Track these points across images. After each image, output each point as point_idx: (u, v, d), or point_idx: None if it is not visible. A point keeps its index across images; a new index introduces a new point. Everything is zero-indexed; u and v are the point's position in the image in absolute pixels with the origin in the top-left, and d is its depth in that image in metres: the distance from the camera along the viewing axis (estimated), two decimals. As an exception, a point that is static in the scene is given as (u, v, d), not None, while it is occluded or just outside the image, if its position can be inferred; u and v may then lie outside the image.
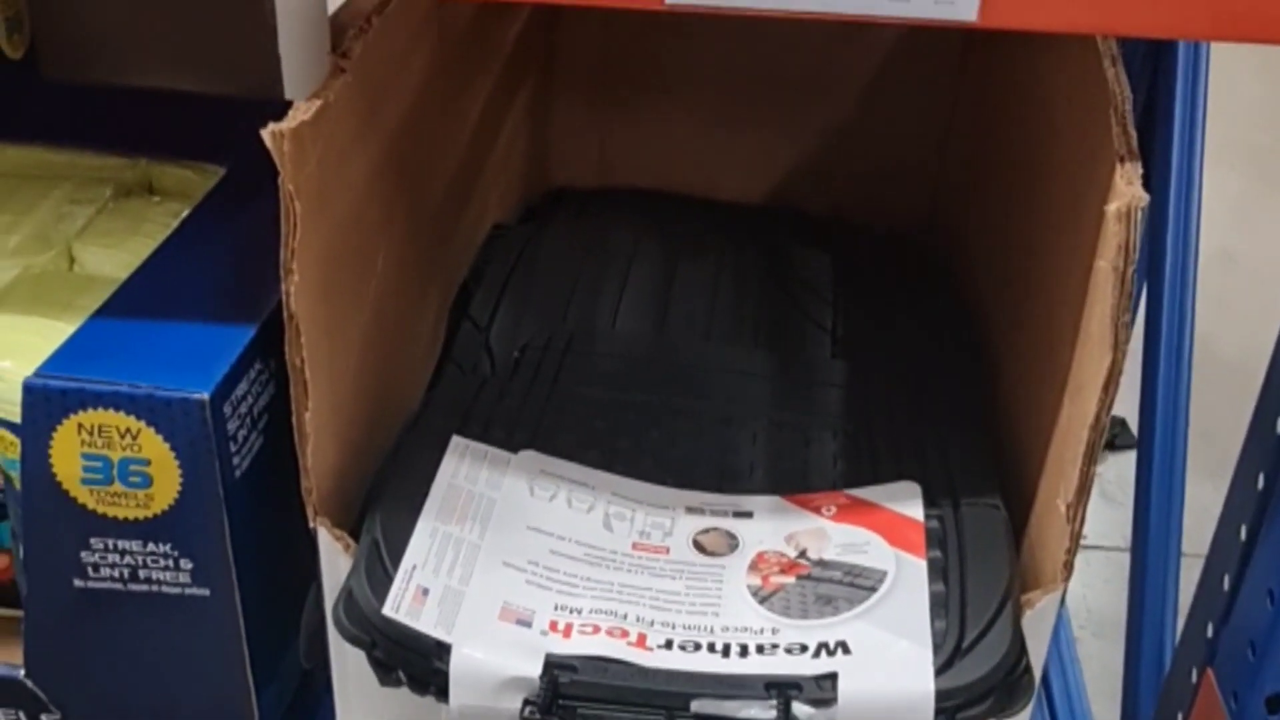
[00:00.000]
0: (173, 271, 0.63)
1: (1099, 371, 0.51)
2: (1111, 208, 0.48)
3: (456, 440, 0.64)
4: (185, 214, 0.68)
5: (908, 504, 0.63)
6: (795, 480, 0.66)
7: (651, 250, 0.85)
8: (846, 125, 0.99)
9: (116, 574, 0.59)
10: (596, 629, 0.57)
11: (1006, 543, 0.59)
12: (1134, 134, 0.52)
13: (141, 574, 0.59)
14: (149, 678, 0.63)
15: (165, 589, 0.60)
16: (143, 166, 0.73)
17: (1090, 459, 0.53)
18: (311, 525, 0.58)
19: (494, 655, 0.54)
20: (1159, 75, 0.86)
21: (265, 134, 0.49)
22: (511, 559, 0.59)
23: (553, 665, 0.54)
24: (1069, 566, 0.56)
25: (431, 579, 0.57)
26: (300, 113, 0.50)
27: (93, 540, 0.59)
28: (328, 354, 0.56)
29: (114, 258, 0.65)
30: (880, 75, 0.96)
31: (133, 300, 0.61)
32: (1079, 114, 0.58)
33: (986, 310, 0.78)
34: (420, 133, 0.68)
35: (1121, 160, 0.50)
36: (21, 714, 0.64)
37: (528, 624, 0.57)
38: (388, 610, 0.55)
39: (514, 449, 0.65)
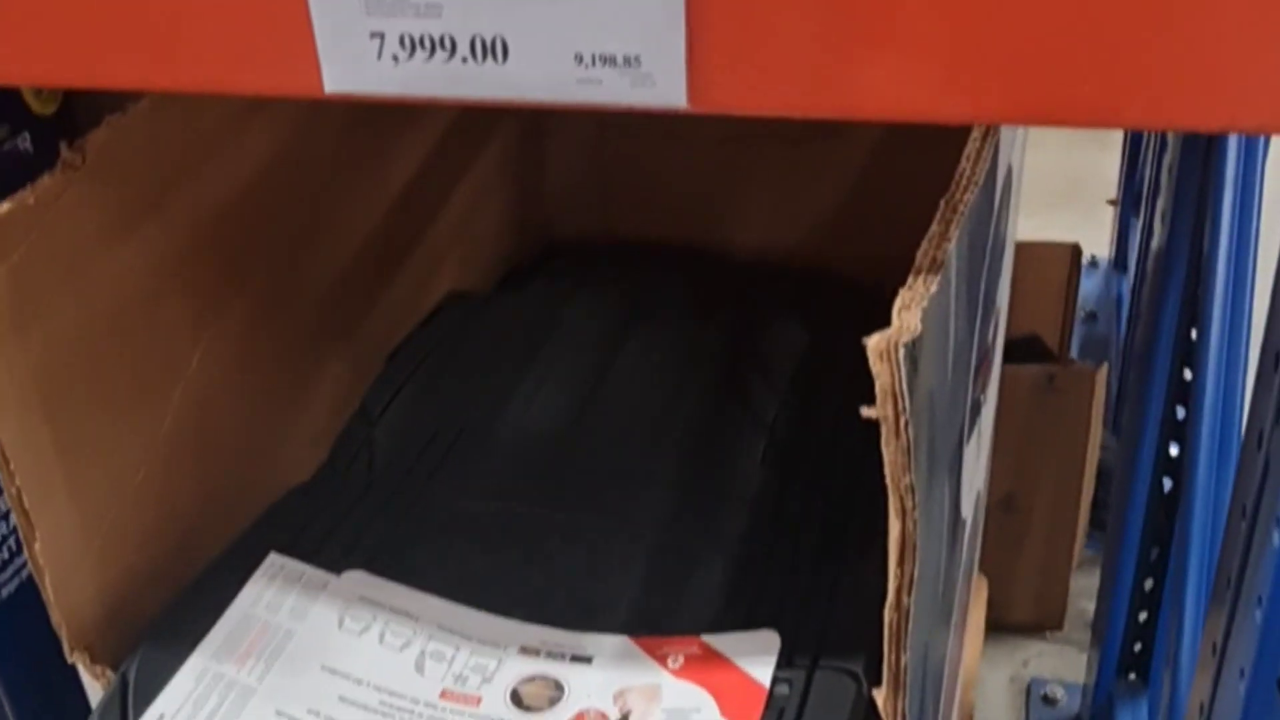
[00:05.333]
0: None
1: (894, 543, 0.40)
2: (871, 343, 0.37)
3: (273, 559, 0.58)
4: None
5: (759, 661, 0.52)
6: (659, 617, 0.57)
7: (604, 323, 0.76)
8: (871, 173, 0.87)
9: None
10: (353, 802, 0.49)
11: (848, 725, 0.48)
12: (951, 238, 0.41)
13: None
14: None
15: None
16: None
17: (897, 645, 0.42)
18: (70, 660, 0.53)
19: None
20: (1210, 157, 0.72)
21: (-79, 248, 0.43)
22: (288, 707, 0.52)
23: None
24: (896, 770, 0.44)
25: (179, 732, 0.51)
26: (-31, 224, 0.45)
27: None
28: (66, 477, 0.50)
29: None
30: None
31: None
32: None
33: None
34: (271, 214, 0.62)
35: (917, 273, 0.39)
36: None
37: (280, 791, 0.50)
38: (109, 771, 0.49)
39: (344, 568, 0.58)
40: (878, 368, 0.37)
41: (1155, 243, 0.87)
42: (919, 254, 0.40)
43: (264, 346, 0.63)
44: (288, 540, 0.59)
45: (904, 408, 0.37)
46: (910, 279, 0.39)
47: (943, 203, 0.42)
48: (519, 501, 0.63)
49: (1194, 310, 0.83)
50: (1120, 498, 0.94)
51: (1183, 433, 0.90)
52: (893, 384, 0.37)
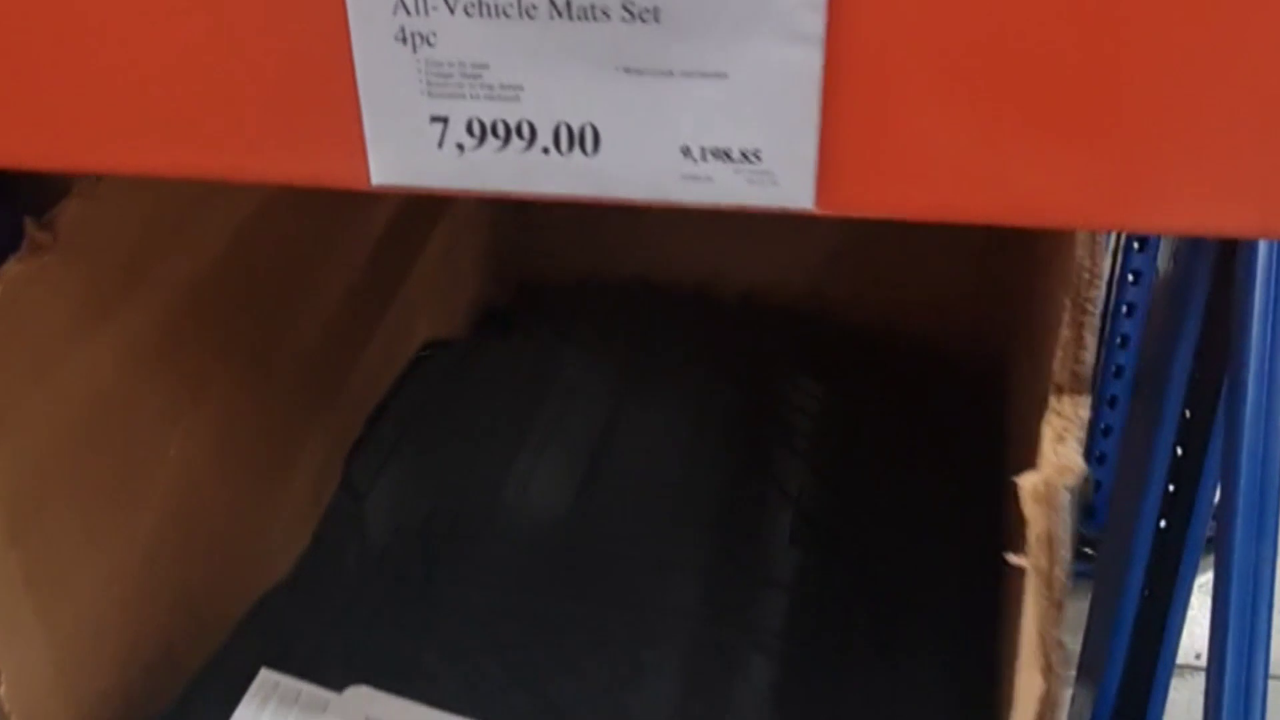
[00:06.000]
0: None
1: (1030, 702, 0.35)
2: (1026, 484, 0.32)
3: (264, 676, 0.51)
4: None
5: (825, 790, 0.47)
6: (700, 732, 0.51)
7: (600, 378, 0.70)
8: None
9: None
10: None
11: None
12: (1088, 345, 0.36)
13: None
14: None
15: None
16: None
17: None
18: (39, 810, 0.46)
19: None
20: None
21: None
22: None
23: None
24: None
25: None
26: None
27: None
28: (35, 609, 0.44)
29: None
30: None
31: None
32: (1049, 292, 0.42)
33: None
34: (246, 283, 0.55)
35: (1059, 392, 0.34)
36: None
37: None
38: None
39: (344, 683, 0.52)
40: (1033, 512, 0.32)
41: (1162, 274, 0.83)
42: (1055, 366, 0.35)
43: (244, 422, 0.56)
44: (279, 651, 0.52)
45: (1060, 557, 0.32)
46: (1052, 399, 0.34)
47: (1068, 302, 0.37)
48: (532, 593, 0.57)
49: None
50: (1116, 541, 0.90)
51: (1178, 472, 0.87)
52: (1049, 530, 0.32)
